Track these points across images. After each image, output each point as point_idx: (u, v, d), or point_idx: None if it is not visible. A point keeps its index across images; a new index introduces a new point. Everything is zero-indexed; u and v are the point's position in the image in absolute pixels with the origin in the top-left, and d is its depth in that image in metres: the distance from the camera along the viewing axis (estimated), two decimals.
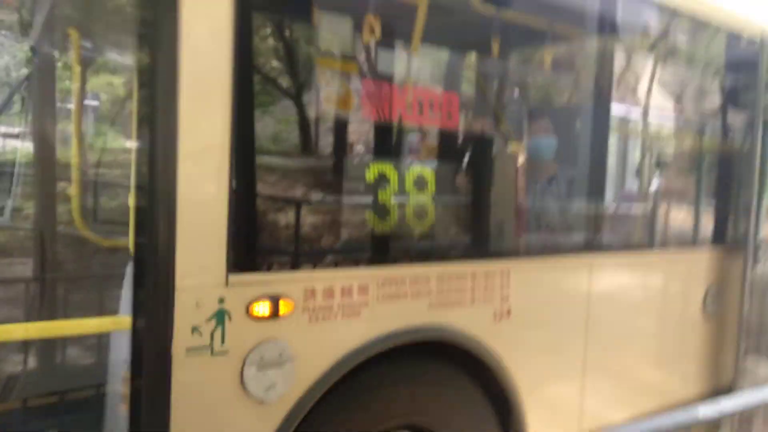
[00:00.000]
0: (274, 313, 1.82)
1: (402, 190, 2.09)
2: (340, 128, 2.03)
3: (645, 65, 3.16)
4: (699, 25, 3.14)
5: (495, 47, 2.37)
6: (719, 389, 3.29)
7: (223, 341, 1.74)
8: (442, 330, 2.20)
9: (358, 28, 2.06)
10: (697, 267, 3.24)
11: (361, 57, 2.10)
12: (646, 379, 3.03)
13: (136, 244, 1.61)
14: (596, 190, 2.81)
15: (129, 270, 1.80)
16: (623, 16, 2.73)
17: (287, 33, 1.92)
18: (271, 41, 1.87)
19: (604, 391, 2.79)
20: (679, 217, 3.34)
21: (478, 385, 2.35)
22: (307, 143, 1.96)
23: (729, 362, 3.34)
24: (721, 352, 3.35)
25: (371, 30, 1.96)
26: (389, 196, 2.06)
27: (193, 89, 1.62)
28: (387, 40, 2.08)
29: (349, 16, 2.04)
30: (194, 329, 1.69)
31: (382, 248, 2.09)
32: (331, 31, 1.95)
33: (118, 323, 1.73)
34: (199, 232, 1.67)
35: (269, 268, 1.85)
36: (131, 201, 1.63)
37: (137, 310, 1.62)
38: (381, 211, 2.06)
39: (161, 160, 1.59)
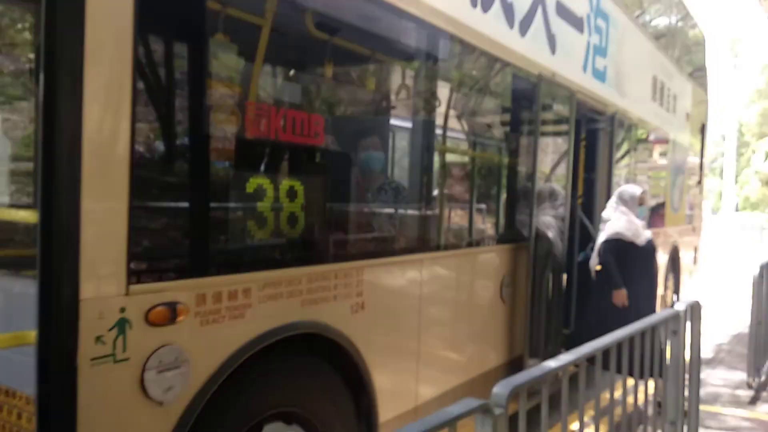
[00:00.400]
0: (171, 319, 1.95)
1: (276, 201, 2.35)
2: (224, 145, 2.21)
3: (449, 93, 3.76)
4: (492, 61, 3.86)
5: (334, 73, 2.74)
6: (515, 359, 4.08)
7: (124, 349, 1.83)
8: (312, 324, 2.49)
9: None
10: (494, 261, 3.97)
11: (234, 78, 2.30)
12: (463, 354, 3.66)
13: (41, 259, 1.64)
14: (421, 199, 3.33)
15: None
16: (430, 50, 3.28)
17: (179, 56, 2.05)
18: (164, 63, 1.98)
19: (433, 366, 3.33)
20: (480, 221, 4.05)
21: (338, 372, 2.69)
22: (194, 161, 2.11)
23: (521, 337, 4.15)
24: (514, 329, 4.15)
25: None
26: (266, 207, 2.30)
27: (95, 112, 1.70)
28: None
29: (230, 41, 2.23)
30: (98, 339, 1.76)
31: (262, 254, 2.32)
32: (213, 53, 2.13)
33: (21, 338, 1.71)
34: (101, 245, 1.75)
35: (165, 278, 1.97)
36: (35, 216, 1.65)
37: (43, 323, 1.65)
38: (259, 220, 2.29)
39: (66, 177, 1.65)
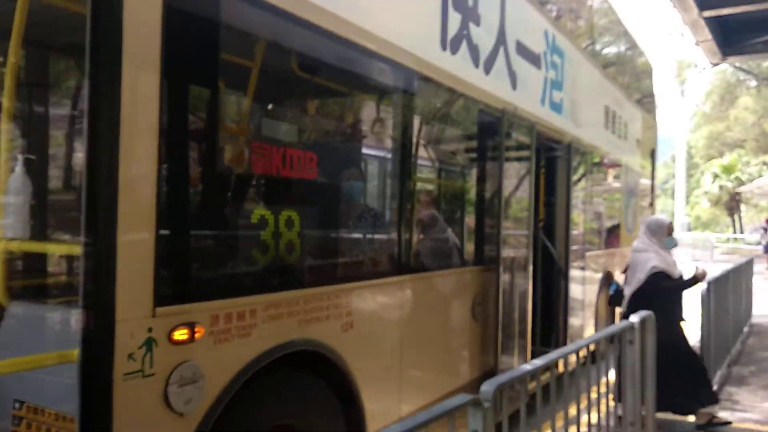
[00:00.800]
0: (190, 338, 2.18)
1: (276, 231, 2.61)
2: (230, 184, 2.48)
3: (422, 127, 4.09)
4: (460, 97, 4.22)
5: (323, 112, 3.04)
6: (487, 373, 4.37)
7: (151, 365, 2.05)
8: (307, 341, 2.74)
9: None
10: (467, 282, 4.29)
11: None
12: (440, 368, 3.93)
13: (85, 285, 1.86)
14: (399, 226, 3.62)
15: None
16: (405, 89, 3.61)
17: (196, 110, 2.33)
18: (186, 107, 2.26)
19: (413, 379, 3.59)
20: (453, 245, 4.36)
21: (330, 386, 2.93)
22: (206, 203, 2.37)
23: (491, 352, 4.45)
24: (486, 345, 4.45)
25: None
26: (268, 236, 2.56)
27: (129, 156, 1.95)
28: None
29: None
30: (129, 356, 1.98)
31: (265, 278, 2.57)
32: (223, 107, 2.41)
33: (66, 357, 1.91)
34: (132, 273, 1.98)
35: (184, 300, 2.20)
36: (76, 249, 1.88)
37: (86, 342, 1.86)
38: (262, 248, 2.55)
39: (106, 219, 1.89)
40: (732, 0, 8.12)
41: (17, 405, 2.27)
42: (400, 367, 3.44)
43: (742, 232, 36.94)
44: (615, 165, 8.39)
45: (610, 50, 8.71)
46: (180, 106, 2.20)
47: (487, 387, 1.82)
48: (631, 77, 9.54)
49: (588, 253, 7.14)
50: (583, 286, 6.83)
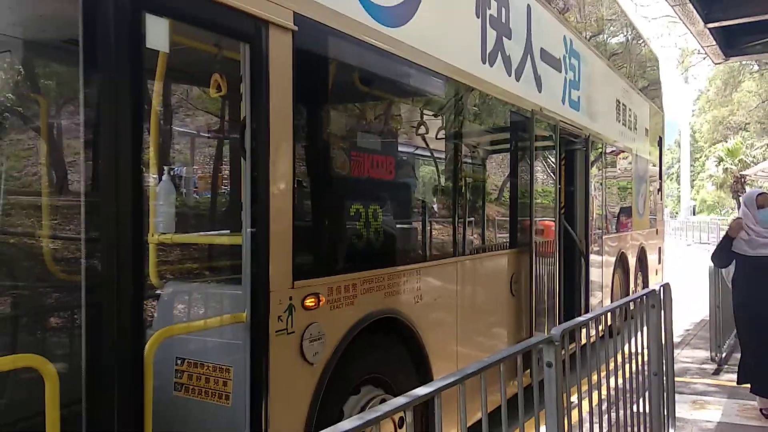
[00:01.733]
0: (316, 305, 2.82)
1: (367, 221, 3.24)
2: (338, 184, 3.13)
3: (471, 130, 4.71)
4: (497, 102, 4.83)
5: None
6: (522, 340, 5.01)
7: (291, 325, 2.69)
8: (391, 310, 3.38)
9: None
10: (505, 263, 4.92)
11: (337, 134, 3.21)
12: (485, 333, 4.57)
13: (251, 265, 2.50)
14: (453, 214, 4.24)
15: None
16: (456, 99, 4.23)
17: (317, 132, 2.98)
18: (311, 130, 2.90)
19: (466, 342, 4.23)
20: (492, 230, 4.99)
21: (405, 346, 3.57)
22: (323, 203, 3.02)
23: (525, 323, 5.10)
24: (522, 317, 5.09)
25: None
26: (362, 225, 3.20)
27: (275, 170, 2.58)
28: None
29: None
30: (279, 318, 2.62)
31: (362, 259, 3.21)
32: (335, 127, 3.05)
33: (238, 318, 2.54)
34: (279, 255, 2.62)
35: (312, 276, 2.83)
36: (239, 239, 2.52)
37: (252, 307, 2.50)
38: (359, 236, 3.19)
39: (262, 218, 2.52)
40: (734, 13, 8.77)
41: (179, 361, 2.91)
42: (456, 331, 4.08)
43: None
44: (626, 154, 8.98)
45: (618, 43, 9.26)
46: (307, 130, 2.84)
47: (556, 330, 2.45)
48: (638, 67, 10.10)
49: (604, 237, 7.74)
50: (600, 268, 7.44)
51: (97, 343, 2.00)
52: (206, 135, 3.43)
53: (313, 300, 2.80)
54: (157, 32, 2.09)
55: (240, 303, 2.54)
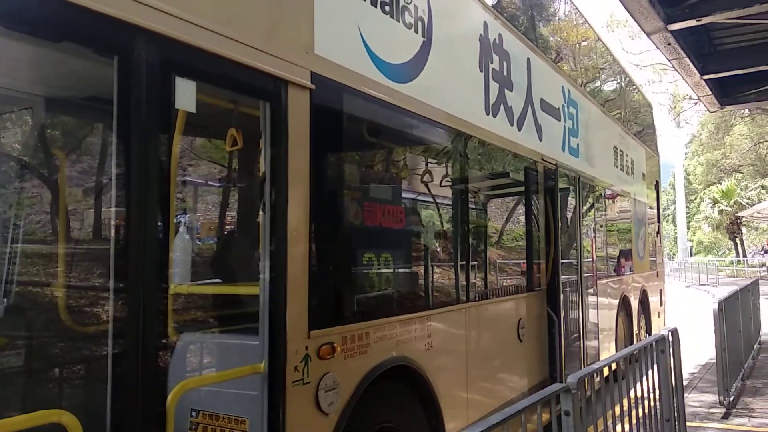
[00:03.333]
0: (332, 354, 2.85)
1: (379, 269, 3.30)
2: (354, 235, 3.20)
3: (475, 178, 4.82)
4: (500, 150, 4.96)
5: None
6: (535, 385, 5.00)
7: (308, 375, 2.71)
8: (403, 358, 3.40)
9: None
10: (513, 307, 4.95)
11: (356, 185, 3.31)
12: (496, 379, 4.57)
13: (269, 315, 2.54)
14: (465, 261, 4.30)
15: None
16: (461, 149, 4.35)
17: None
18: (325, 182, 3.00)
19: (476, 389, 4.22)
20: (501, 275, 5.04)
21: (416, 394, 3.57)
22: (335, 254, 3.08)
23: (541, 367, 5.09)
24: (534, 361, 5.09)
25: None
26: (375, 274, 3.25)
27: (292, 222, 2.65)
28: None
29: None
30: (295, 368, 2.64)
31: (376, 308, 3.25)
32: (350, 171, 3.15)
33: (256, 369, 2.56)
34: (295, 305, 2.66)
35: (327, 325, 2.87)
36: (256, 289, 2.57)
37: (270, 357, 2.53)
38: (372, 284, 3.24)
39: (280, 270, 2.58)
40: (728, 65, 9.18)
41: (194, 413, 2.91)
42: (466, 380, 4.08)
43: (744, 255, 37.56)
44: (625, 197, 9.11)
45: (612, 90, 9.53)
46: (323, 182, 2.93)
47: (573, 378, 2.48)
48: (632, 113, 10.35)
49: (605, 280, 7.78)
50: (603, 311, 7.45)
51: (122, 396, 2.02)
52: (224, 186, 3.52)
53: (328, 349, 2.83)
54: (185, 94, 2.20)
55: (256, 353, 2.57)
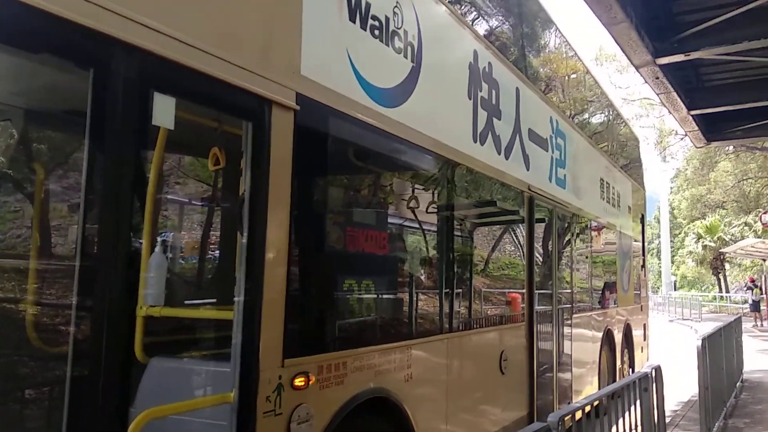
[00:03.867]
0: (306, 384, 2.74)
1: (360, 296, 3.21)
2: (335, 260, 3.11)
3: (461, 206, 4.76)
4: (484, 177, 4.91)
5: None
6: (517, 419, 4.89)
7: (280, 406, 2.60)
8: (381, 390, 3.29)
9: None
10: (496, 339, 4.86)
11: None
12: (477, 413, 4.45)
13: (241, 343, 2.44)
14: (448, 290, 4.22)
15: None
16: (449, 177, 4.31)
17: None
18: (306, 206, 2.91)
19: (457, 423, 4.11)
20: (484, 306, 4.96)
21: (393, 426, 3.45)
22: (311, 283, 3.00)
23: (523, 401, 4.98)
24: (515, 393, 4.98)
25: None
26: (354, 302, 3.16)
27: (271, 245, 2.57)
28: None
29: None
30: (267, 398, 2.53)
31: (355, 336, 3.15)
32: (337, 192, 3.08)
33: (225, 398, 2.45)
34: (270, 332, 2.56)
35: (301, 354, 2.76)
36: (230, 314, 2.47)
37: (241, 387, 2.42)
38: (350, 312, 3.15)
39: (254, 296, 2.48)
40: (715, 102, 9.34)
41: None
42: (446, 412, 3.97)
43: (728, 291, 37.82)
44: (611, 230, 9.12)
45: (599, 123, 9.61)
46: (305, 205, 2.86)
47: (553, 417, 2.40)
48: (619, 146, 10.43)
49: (589, 313, 7.73)
50: (584, 343, 7.38)
51: (78, 423, 1.91)
52: (206, 206, 3.43)
53: (302, 379, 2.72)
54: (164, 110, 2.13)
55: (227, 381, 2.46)
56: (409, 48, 3.72)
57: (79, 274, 2.00)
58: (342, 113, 3.08)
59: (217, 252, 3.15)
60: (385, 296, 3.55)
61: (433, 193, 4.19)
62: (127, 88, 1.99)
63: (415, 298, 3.91)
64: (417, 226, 4.01)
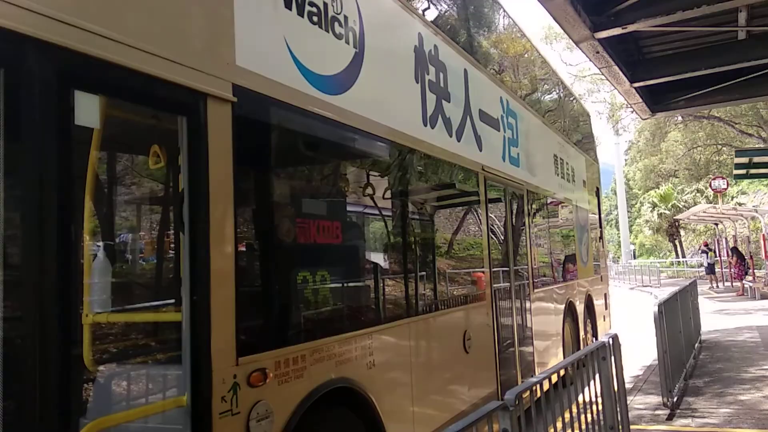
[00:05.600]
0: (263, 381, 2.69)
1: (315, 287, 3.17)
2: (286, 253, 3.05)
3: (416, 190, 4.74)
4: (437, 160, 4.90)
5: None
6: (485, 396, 4.94)
7: (237, 405, 2.55)
8: (344, 379, 3.27)
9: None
10: (458, 319, 4.89)
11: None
12: (444, 393, 4.48)
13: (191, 344, 2.37)
14: (405, 275, 4.22)
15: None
16: (399, 161, 4.28)
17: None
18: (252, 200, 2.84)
19: (423, 405, 4.12)
20: (445, 287, 4.98)
21: (358, 415, 3.43)
22: (271, 265, 2.93)
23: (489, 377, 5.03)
24: (480, 371, 5.03)
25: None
26: (310, 292, 3.12)
27: (216, 242, 2.50)
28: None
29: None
30: (222, 399, 2.48)
31: (312, 329, 3.11)
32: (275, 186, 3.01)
33: (178, 402, 2.38)
34: (222, 331, 2.50)
35: (257, 350, 2.71)
36: (179, 316, 2.40)
37: (193, 390, 2.36)
38: (307, 303, 3.11)
39: (203, 295, 2.42)
40: (657, 73, 9.55)
41: None
42: (411, 395, 3.98)
43: (684, 256, 39.11)
44: (567, 205, 9.28)
45: (551, 100, 9.73)
46: (250, 199, 2.79)
47: (510, 395, 2.41)
48: (571, 122, 10.60)
49: (551, 286, 7.87)
50: (547, 316, 7.51)
51: None
52: (149, 206, 3.32)
53: (259, 376, 2.67)
54: (87, 109, 2.04)
55: (181, 384, 2.39)
56: (350, 33, 3.66)
57: (16, 287, 1.90)
58: (283, 103, 3.01)
59: (166, 253, 3.05)
60: (341, 286, 3.51)
61: (385, 179, 4.16)
62: (44, 88, 1.88)
63: (373, 286, 3.89)
64: (371, 213, 3.98)
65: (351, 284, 3.67)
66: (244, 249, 2.69)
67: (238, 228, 2.64)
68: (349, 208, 3.77)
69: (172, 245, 2.91)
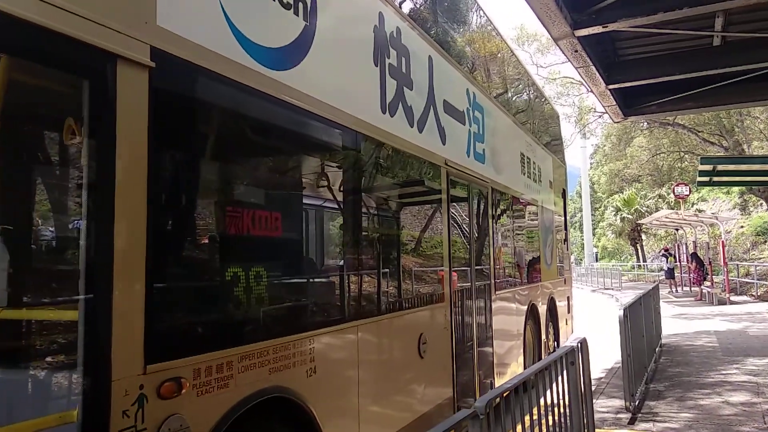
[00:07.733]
0: (177, 392, 2.32)
1: (248, 286, 2.80)
2: (212, 246, 2.68)
3: (372, 180, 4.41)
4: (396, 151, 4.59)
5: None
6: (440, 403, 4.64)
7: (143, 421, 2.18)
8: (278, 388, 2.91)
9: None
10: (412, 322, 4.58)
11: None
12: (394, 402, 4.16)
13: (84, 349, 1.99)
14: (357, 272, 3.88)
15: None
16: (354, 149, 3.95)
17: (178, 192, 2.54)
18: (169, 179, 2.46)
19: (370, 416, 3.80)
20: (398, 288, 4.66)
21: (294, 428, 3.09)
22: (192, 259, 2.55)
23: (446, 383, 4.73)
24: (437, 376, 4.73)
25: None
26: (241, 291, 2.75)
27: (121, 229, 2.13)
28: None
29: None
30: (124, 413, 2.11)
31: (241, 332, 2.75)
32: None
33: (66, 417, 2.00)
34: (125, 334, 2.13)
35: (170, 357, 2.34)
36: (75, 315, 2.01)
37: (85, 404, 1.98)
38: (236, 302, 2.74)
39: (102, 289, 2.05)
40: (631, 76, 9.49)
41: None
42: (357, 404, 3.65)
43: (645, 260, 39.76)
44: (532, 205, 9.09)
45: (521, 100, 9.53)
46: (169, 182, 2.41)
47: (480, 403, 2.14)
48: (540, 123, 10.43)
49: (514, 288, 7.64)
50: (508, 318, 7.27)
51: None
52: (54, 186, 2.89)
53: (172, 386, 2.30)
54: None
55: (73, 395, 2.02)
56: (300, 4, 3.30)
57: None
58: (214, 73, 2.63)
59: (69, 243, 2.65)
60: (279, 284, 3.16)
61: (335, 168, 3.81)
62: None
63: (317, 285, 3.55)
64: (318, 205, 3.63)
65: (290, 283, 3.32)
66: (159, 240, 2.31)
67: (152, 216, 2.26)
68: (292, 199, 3.40)
69: (76, 234, 2.52)
